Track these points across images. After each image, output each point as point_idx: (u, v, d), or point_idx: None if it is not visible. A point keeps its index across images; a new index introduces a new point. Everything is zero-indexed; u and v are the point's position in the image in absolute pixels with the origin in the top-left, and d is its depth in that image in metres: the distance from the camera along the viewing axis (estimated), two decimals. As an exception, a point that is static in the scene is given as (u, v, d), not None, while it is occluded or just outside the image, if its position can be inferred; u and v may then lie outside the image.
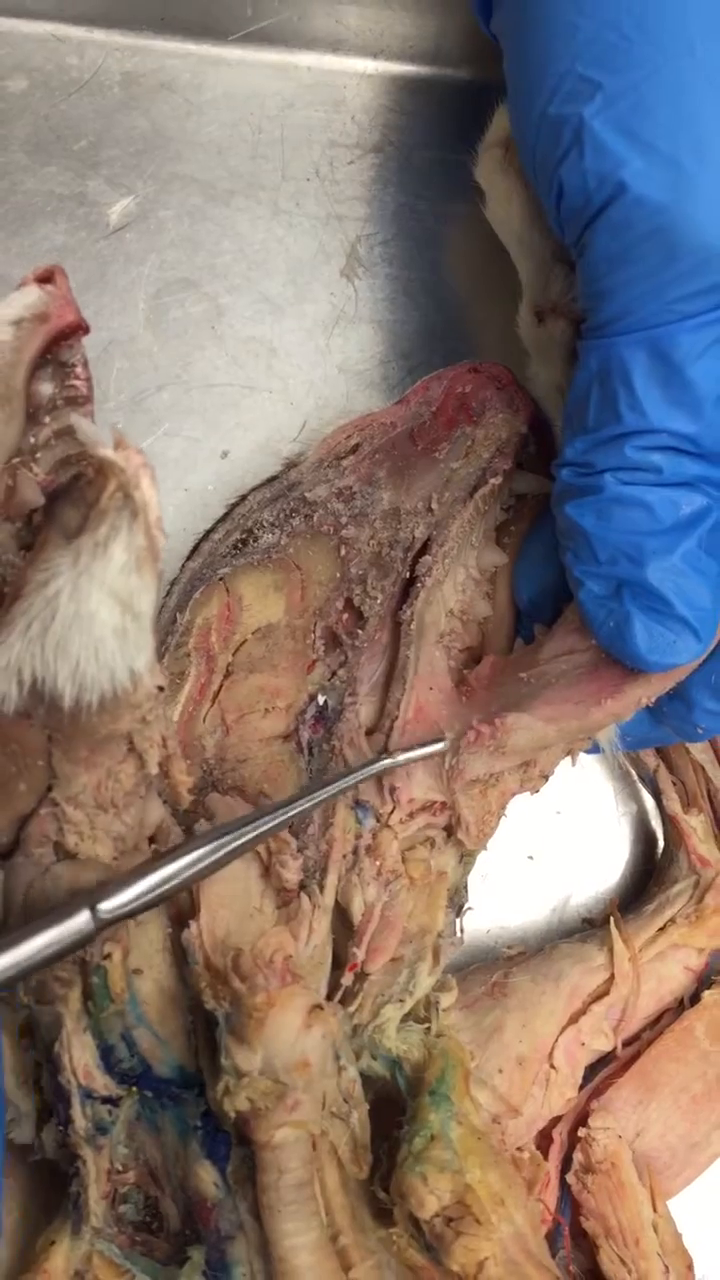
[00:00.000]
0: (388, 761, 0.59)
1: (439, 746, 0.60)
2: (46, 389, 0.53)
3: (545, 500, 0.65)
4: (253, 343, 0.74)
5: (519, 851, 0.74)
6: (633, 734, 0.63)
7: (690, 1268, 0.63)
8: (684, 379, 0.52)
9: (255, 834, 0.53)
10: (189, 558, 0.66)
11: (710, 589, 0.54)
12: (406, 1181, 0.53)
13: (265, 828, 0.53)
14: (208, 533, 0.66)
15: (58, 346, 0.53)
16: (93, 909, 0.48)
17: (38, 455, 0.53)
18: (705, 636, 0.54)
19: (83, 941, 0.48)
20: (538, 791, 0.63)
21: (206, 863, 0.51)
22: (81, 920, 0.48)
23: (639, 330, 0.52)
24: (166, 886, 0.50)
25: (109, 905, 0.48)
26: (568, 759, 0.63)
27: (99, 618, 0.47)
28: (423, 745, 0.60)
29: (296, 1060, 0.52)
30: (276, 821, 0.54)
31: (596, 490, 0.54)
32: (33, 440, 0.53)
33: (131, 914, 0.49)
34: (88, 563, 0.47)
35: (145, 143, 0.74)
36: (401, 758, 0.59)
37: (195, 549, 0.66)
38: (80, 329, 0.53)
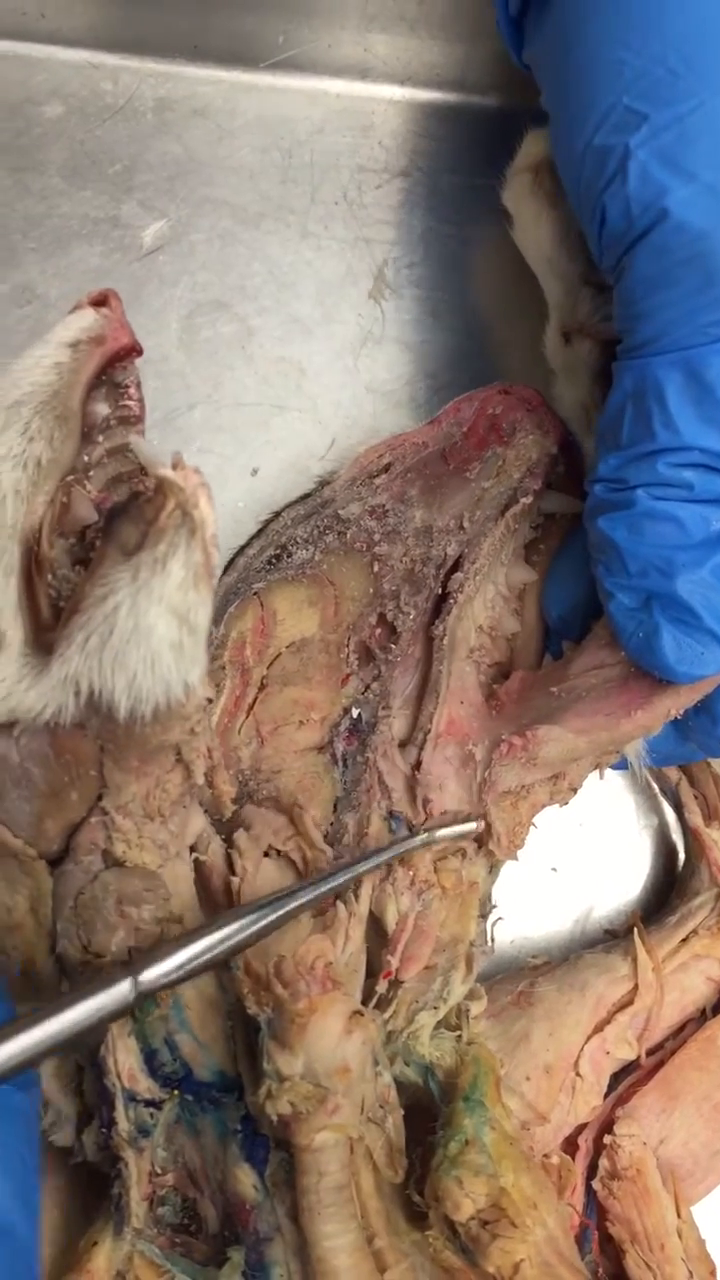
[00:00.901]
0: (424, 838, 0.60)
1: (471, 827, 0.61)
2: (101, 409, 0.55)
3: (574, 519, 0.66)
4: (282, 363, 0.75)
5: (542, 863, 0.75)
6: (659, 750, 0.64)
7: (714, 1273, 0.64)
8: (716, 398, 0.53)
9: (295, 905, 0.54)
10: (223, 573, 0.67)
11: None
12: (442, 1185, 0.54)
13: (305, 899, 0.55)
14: (242, 548, 0.67)
15: (113, 368, 0.55)
16: (134, 979, 0.49)
17: (91, 473, 0.54)
18: None
19: (124, 1010, 0.49)
20: (567, 804, 0.64)
21: (246, 934, 0.52)
22: (123, 989, 0.49)
23: (674, 351, 0.54)
24: (206, 957, 0.51)
25: (149, 976, 0.50)
26: (597, 774, 0.64)
27: (157, 632, 0.48)
28: (457, 823, 0.62)
29: (337, 1065, 0.53)
30: (318, 893, 0.55)
31: (629, 505, 0.56)
32: (87, 459, 0.54)
33: (171, 984, 0.51)
34: (146, 578, 0.48)
35: (178, 167, 0.76)
36: (439, 834, 0.61)
37: (230, 564, 0.67)
38: (134, 351, 0.55)
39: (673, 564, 0.55)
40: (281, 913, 0.53)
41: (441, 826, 0.61)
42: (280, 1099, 0.53)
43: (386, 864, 0.62)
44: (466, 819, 0.62)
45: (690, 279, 0.53)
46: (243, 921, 0.52)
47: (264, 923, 0.53)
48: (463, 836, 0.62)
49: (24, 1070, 0.47)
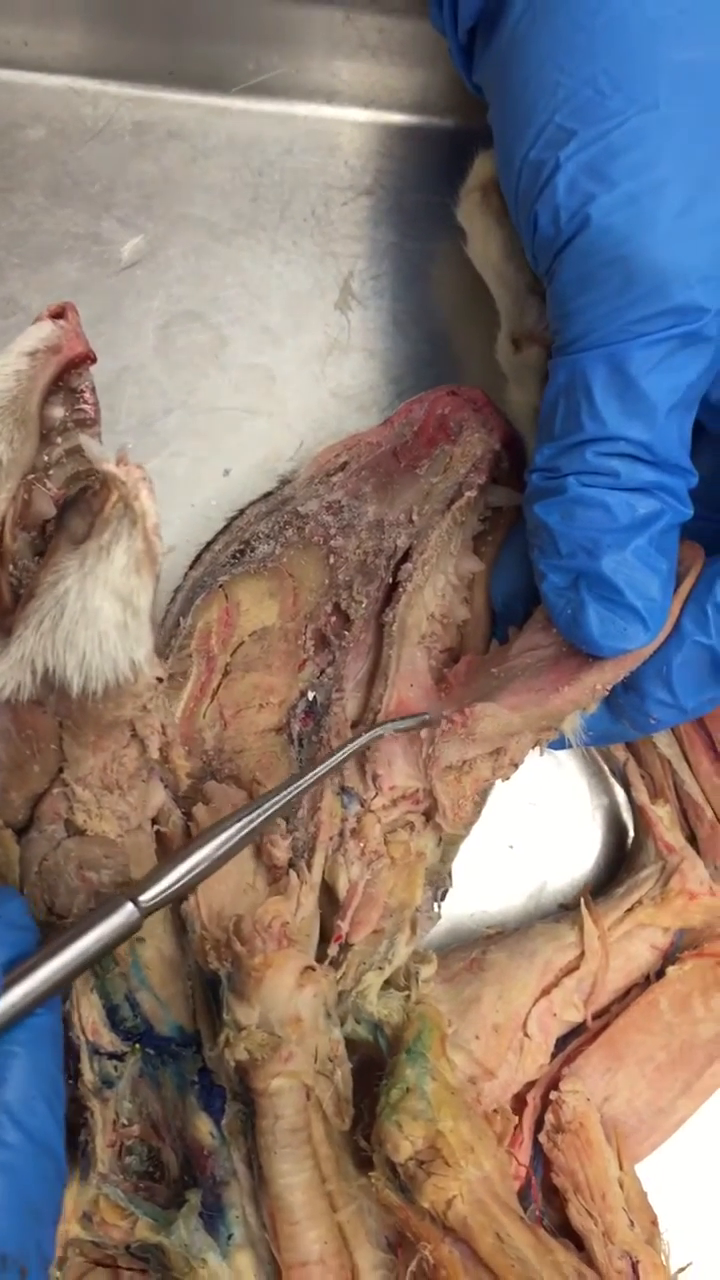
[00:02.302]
0: (375, 732, 0.63)
1: (424, 718, 0.64)
2: (58, 413, 0.59)
3: (519, 512, 0.70)
4: (253, 370, 0.79)
5: (499, 841, 0.78)
6: (595, 729, 0.67)
7: (655, 1223, 0.67)
8: (638, 390, 0.57)
9: (272, 810, 0.57)
10: (191, 567, 0.71)
11: (659, 582, 0.59)
12: (383, 1128, 0.58)
13: (281, 801, 0.57)
14: (209, 544, 0.71)
15: (68, 374, 0.59)
16: (135, 901, 0.52)
17: (50, 472, 0.59)
18: (653, 625, 0.59)
19: (131, 931, 0.52)
20: (508, 779, 0.68)
21: (232, 843, 0.55)
22: (126, 912, 0.52)
23: (599, 347, 0.58)
24: (197, 871, 0.54)
25: (148, 895, 0.53)
26: (537, 750, 0.68)
27: (103, 613, 0.53)
28: (411, 717, 0.65)
29: (290, 1015, 0.57)
30: (291, 794, 0.58)
31: (561, 491, 0.59)
32: (46, 458, 0.59)
33: (169, 900, 0.54)
34: (93, 565, 0.53)
35: (154, 186, 0.80)
36: (389, 727, 0.63)
37: (197, 559, 0.71)
38: (88, 359, 0.59)
39: (599, 545, 0.59)
40: (263, 817, 0.56)
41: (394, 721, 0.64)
42: (238, 1047, 0.57)
43: (339, 836, 0.66)
44: (419, 715, 0.65)
45: (612, 280, 0.57)
46: (228, 833, 0.55)
47: (246, 830, 0.56)
48: (411, 728, 0.64)
49: (53, 996, 0.50)
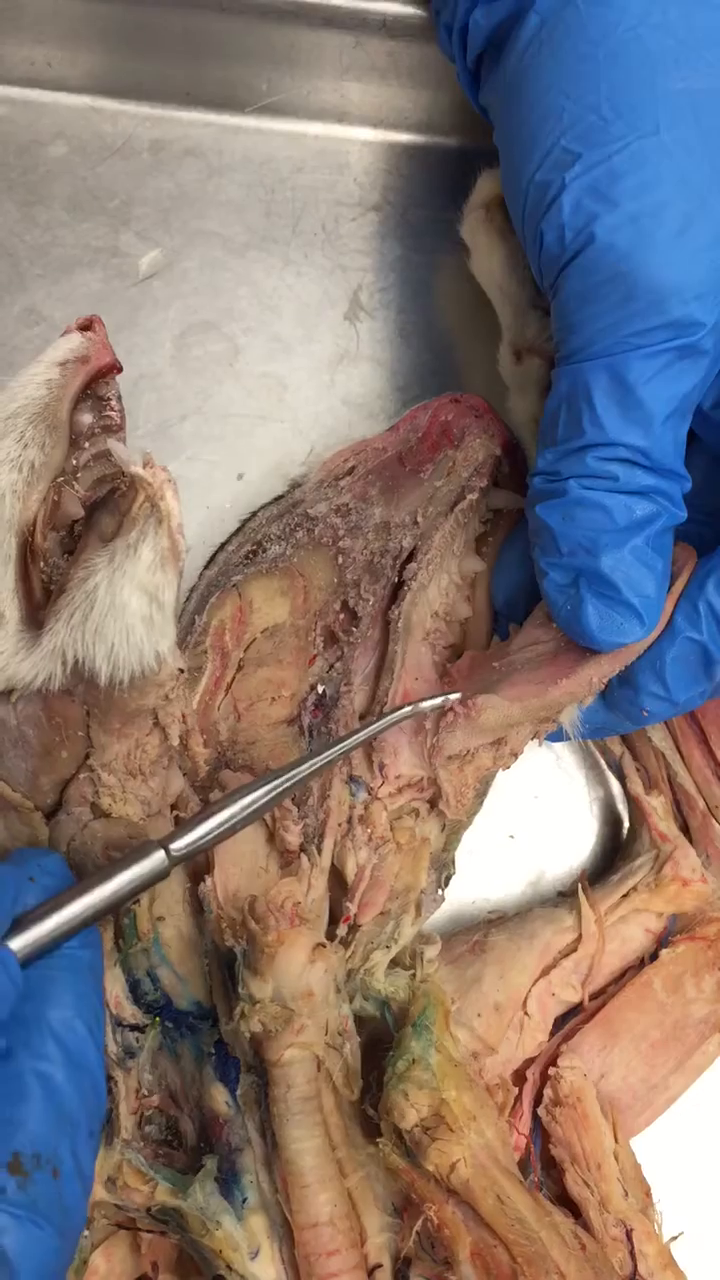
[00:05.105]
0: (408, 710, 0.66)
1: (454, 697, 0.67)
2: (86, 419, 0.62)
3: (519, 514, 0.73)
4: (266, 378, 0.82)
5: (500, 832, 0.81)
6: (591, 722, 0.70)
7: (649, 1194, 0.70)
8: (636, 399, 0.60)
9: (298, 778, 0.60)
10: (206, 567, 0.74)
11: (655, 581, 0.62)
12: (390, 1098, 0.61)
13: (307, 772, 0.60)
14: (222, 545, 0.75)
15: (96, 383, 0.62)
16: (165, 849, 0.56)
17: (79, 475, 0.62)
18: (649, 621, 0.62)
19: (159, 876, 0.55)
20: (509, 768, 0.71)
21: (258, 805, 0.58)
22: (157, 859, 0.55)
23: (601, 357, 0.61)
24: (225, 827, 0.58)
25: (179, 845, 0.56)
26: (536, 741, 0.71)
27: (130, 607, 0.56)
28: (439, 695, 0.67)
29: (302, 990, 0.60)
30: (316, 765, 0.61)
31: (562, 494, 0.62)
32: (74, 462, 0.62)
33: (198, 851, 0.57)
34: (121, 561, 0.56)
35: (171, 202, 0.83)
36: (422, 705, 0.66)
37: (211, 560, 0.74)
38: (115, 369, 0.62)
39: (598, 545, 0.61)
40: (289, 784, 0.59)
41: (426, 699, 0.67)
42: (253, 1019, 0.60)
43: (348, 823, 0.68)
44: (448, 693, 0.67)
45: (613, 294, 0.60)
46: (255, 795, 0.58)
47: (273, 795, 0.59)
48: (439, 708, 0.67)
49: (87, 927, 0.53)
